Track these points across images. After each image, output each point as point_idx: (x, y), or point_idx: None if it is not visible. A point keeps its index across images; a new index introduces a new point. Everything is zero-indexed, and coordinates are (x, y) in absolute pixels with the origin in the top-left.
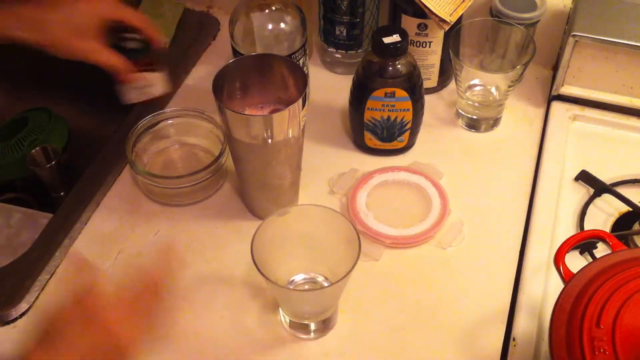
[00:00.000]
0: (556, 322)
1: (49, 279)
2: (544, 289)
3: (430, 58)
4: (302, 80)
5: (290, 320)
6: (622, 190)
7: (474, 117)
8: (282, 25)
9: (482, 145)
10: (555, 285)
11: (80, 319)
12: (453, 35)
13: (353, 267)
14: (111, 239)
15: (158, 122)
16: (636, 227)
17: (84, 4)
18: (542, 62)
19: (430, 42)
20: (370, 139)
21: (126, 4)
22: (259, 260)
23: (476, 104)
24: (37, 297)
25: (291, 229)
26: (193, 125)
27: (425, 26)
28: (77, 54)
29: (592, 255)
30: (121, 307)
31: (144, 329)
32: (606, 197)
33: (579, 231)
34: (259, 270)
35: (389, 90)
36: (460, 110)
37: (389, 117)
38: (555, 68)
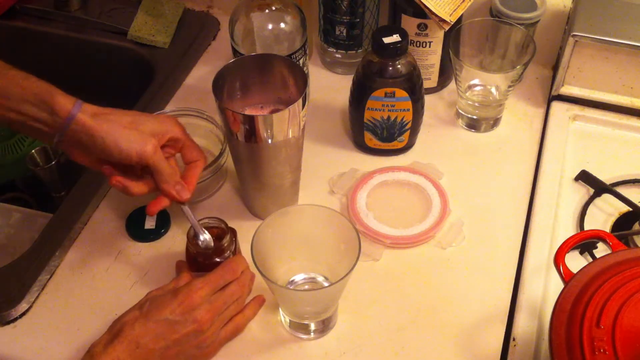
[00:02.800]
0: (556, 322)
1: (49, 279)
2: (544, 289)
3: (430, 58)
4: (302, 80)
5: (290, 320)
6: (622, 190)
7: (474, 117)
8: (282, 25)
9: (482, 145)
10: (555, 285)
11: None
12: (453, 35)
13: (353, 267)
14: (111, 239)
15: None
16: (636, 227)
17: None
18: (542, 62)
19: (430, 42)
20: (370, 139)
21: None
22: (259, 260)
23: (476, 104)
24: (37, 297)
25: (291, 229)
26: (193, 125)
27: (425, 26)
28: (139, 149)
29: (592, 255)
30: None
31: (226, 336)
32: (606, 197)
33: (579, 231)
34: (259, 270)
35: (389, 90)
36: (460, 110)
37: (389, 117)
38: (555, 68)
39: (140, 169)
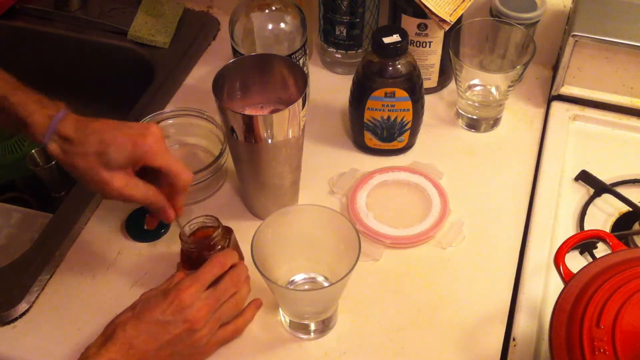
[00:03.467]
0: (556, 322)
1: (49, 279)
2: (544, 289)
3: (430, 58)
4: (302, 80)
5: (290, 320)
6: (622, 190)
7: (474, 117)
8: (282, 25)
9: (482, 145)
10: (555, 285)
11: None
12: (453, 35)
13: (353, 267)
14: (111, 239)
15: (158, 122)
16: (636, 227)
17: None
18: (542, 62)
19: (430, 42)
20: (370, 139)
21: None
22: (259, 260)
23: (476, 104)
24: (37, 297)
25: (291, 229)
26: (193, 125)
27: (425, 26)
28: (105, 187)
29: (592, 255)
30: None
31: (224, 337)
32: (606, 197)
33: (579, 231)
34: (259, 270)
35: (389, 90)
36: (460, 110)
37: (389, 117)
38: (555, 68)
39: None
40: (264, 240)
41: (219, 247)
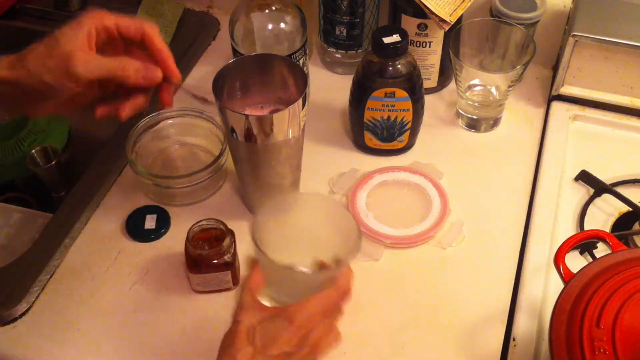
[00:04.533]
0: (556, 322)
1: (49, 279)
2: (544, 289)
3: (430, 58)
4: (302, 80)
5: None
6: (622, 190)
7: (474, 117)
8: (282, 25)
9: (482, 145)
10: (555, 285)
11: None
12: (453, 35)
13: (357, 249)
14: (111, 239)
15: (158, 122)
16: (636, 227)
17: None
18: (542, 62)
19: (430, 42)
20: (370, 139)
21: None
22: (261, 242)
23: (476, 104)
24: (37, 297)
25: (291, 217)
26: (193, 125)
27: (425, 26)
28: (66, 70)
29: (592, 255)
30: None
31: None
32: (606, 197)
33: (579, 231)
34: (258, 247)
35: (389, 90)
36: (460, 110)
37: (389, 117)
38: (555, 68)
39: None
40: (263, 225)
41: (227, 255)
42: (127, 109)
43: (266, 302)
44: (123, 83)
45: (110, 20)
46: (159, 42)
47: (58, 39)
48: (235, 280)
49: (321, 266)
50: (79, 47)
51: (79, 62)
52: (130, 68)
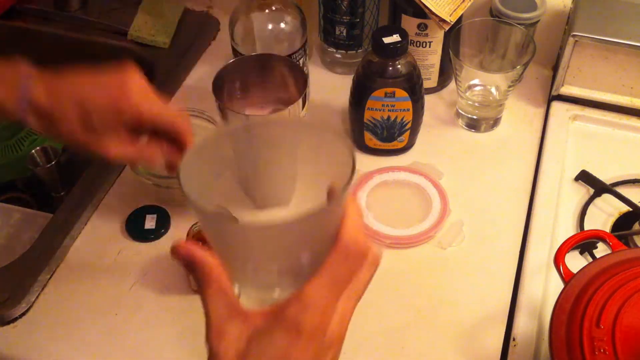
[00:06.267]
0: (556, 322)
1: (49, 279)
2: (544, 289)
3: (430, 58)
4: (302, 80)
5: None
6: (622, 190)
7: (474, 117)
8: (282, 25)
9: (482, 145)
10: (555, 285)
11: None
12: (453, 35)
13: (353, 175)
14: (111, 239)
15: None
16: (636, 227)
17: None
18: (542, 62)
19: (430, 42)
20: (370, 139)
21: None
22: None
23: (476, 104)
24: (37, 297)
25: (244, 149)
26: (193, 126)
27: (425, 26)
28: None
29: (592, 255)
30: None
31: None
32: (606, 197)
33: (579, 231)
34: (196, 204)
35: (389, 90)
36: (460, 110)
37: (389, 117)
38: (555, 68)
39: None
40: (201, 168)
41: None
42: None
43: (246, 301)
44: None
45: (145, 113)
46: (189, 132)
47: (92, 119)
48: None
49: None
50: (119, 132)
51: (115, 151)
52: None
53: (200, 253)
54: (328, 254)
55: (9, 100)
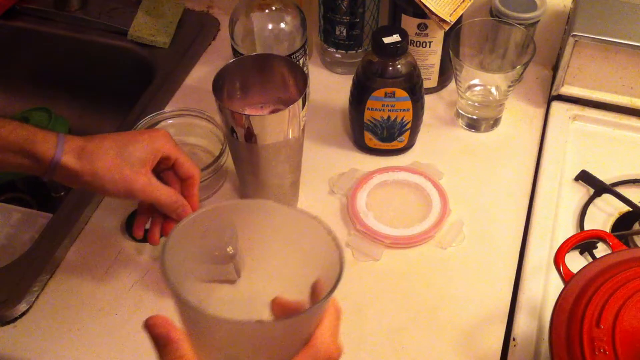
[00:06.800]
0: (556, 322)
1: (49, 279)
2: (544, 289)
3: (430, 58)
4: (302, 80)
5: None
6: (622, 190)
7: (474, 117)
8: (282, 25)
9: (482, 145)
10: (555, 285)
11: None
12: (453, 35)
13: (339, 275)
14: (111, 239)
15: (158, 122)
16: (636, 227)
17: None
18: (542, 62)
19: (430, 42)
20: (370, 139)
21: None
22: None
23: (476, 104)
24: (37, 297)
25: (229, 236)
26: (193, 125)
27: (425, 26)
28: (126, 188)
29: (592, 255)
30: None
31: None
32: (606, 197)
33: (579, 231)
34: (178, 296)
35: (389, 90)
36: (460, 110)
37: (389, 117)
38: (555, 68)
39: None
40: (184, 254)
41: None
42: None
43: None
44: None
45: (174, 153)
46: (197, 189)
47: (129, 152)
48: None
49: (285, 309)
50: (144, 172)
51: (140, 188)
52: (178, 202)
53: (176, 336)
54: (298, 354)
55: (48, 141)
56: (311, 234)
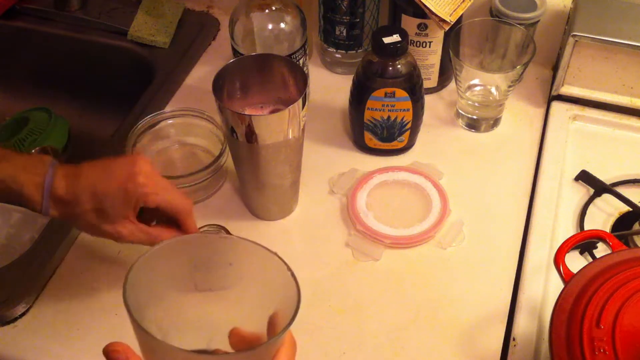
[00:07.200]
0: (556, 322)
1: (49, 279)
2: (544, 289)
3: (430, 58)
4: (302, 80)
5: None
6: (622, 190)
7: (474, 117)
8: (282, 25)
9: (482, 145)
10: (555, 285)
11: None
12: (453, 35)
13: (295, 311)
14: None
15: (158, 122)
16: (636, 227)
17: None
18: (542, 62)
19: (430, 42)
20: (370, 139)
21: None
22: (136, 309)
23: (476, 104)
24: (37, 297)
25: (189, 268)
26: (193, 125)
27: (425, 26)
28: (114, 239)
29: (592, 255)
30: None
31: None
32: (606, 197)
33: (579, 231)
34: (138, 324)
35: (389, 90)
36: (460, 110)
37: (389, 117)
38: (555, 68)
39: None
40: (145, 284)
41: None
42: None
43: None
44: None
45: (152, 199)
46: (190, 220)
47: (108, 207)
48: None
49: (243, 340)
50: (129, 215)
51: (126, 232)
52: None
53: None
54: None
55: (33, 187)
56: (271, 269)
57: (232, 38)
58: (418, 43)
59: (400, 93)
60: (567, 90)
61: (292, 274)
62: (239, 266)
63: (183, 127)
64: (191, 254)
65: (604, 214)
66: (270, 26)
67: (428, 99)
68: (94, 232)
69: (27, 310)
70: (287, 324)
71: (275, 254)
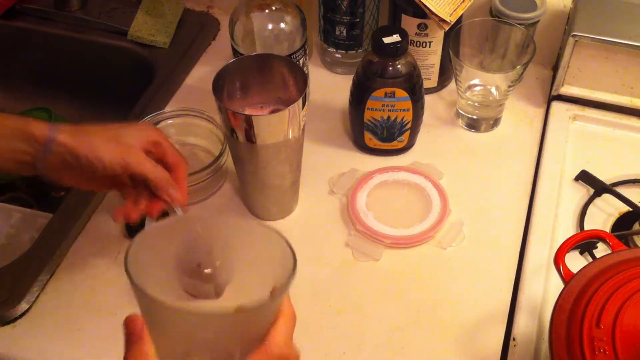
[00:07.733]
0: (556, 322)
1: (49, 279)
2: (544, 289)
3: (430, 58)
4: (302, 80)
5: None
6: (622, 190)
7: (474, 117)
8: (282, 25)
9: (482, 145)
10: (555, 285)
11: None
12: (453, 35)
13: (292, 276)
14: (111, 239)
15: (158, 122)
16: (636, 227)
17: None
18: (542, 62)
19: (430, 42)
20: (370, 139)
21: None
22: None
23: (476, 104)
24: (37, 297)
25: (188, 243)
26: (193, 125)
27: (425, 26)
28: (123, 159)
29: (592, 255)
30: None
31: None
32: (606, 197)
33: (579, 231)
34: (142, 293)
35: (389, 90)
36: (460, 110)
37: (389, 117)
38: (555, 68)
39: (132, 181)
40: (147, 256)
41: None
42: (155, 211)
43: None
44: (148, 186)
45: (164, 140)
46: (185, 177)
47: (122, 134)
48: None
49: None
50: (138, 149)
51: (135, 160)
52: (166, 185)
53: (147, 336)
54: (252, 353)
55: (40, 123)
56: (268, 243)
57: (232, 38)
58: (418, 43)
59: (400, 93)
60: (567, 90)
61: (287, 242)
62: (240, 249)
63: (183, 127)
64: (192, 234)
65: (604, 214)
66: (270, 26)
67: (428, 99)
68: (104, 150)
69: (27, 310)
70: (283, 285)
71: (269, 227)
